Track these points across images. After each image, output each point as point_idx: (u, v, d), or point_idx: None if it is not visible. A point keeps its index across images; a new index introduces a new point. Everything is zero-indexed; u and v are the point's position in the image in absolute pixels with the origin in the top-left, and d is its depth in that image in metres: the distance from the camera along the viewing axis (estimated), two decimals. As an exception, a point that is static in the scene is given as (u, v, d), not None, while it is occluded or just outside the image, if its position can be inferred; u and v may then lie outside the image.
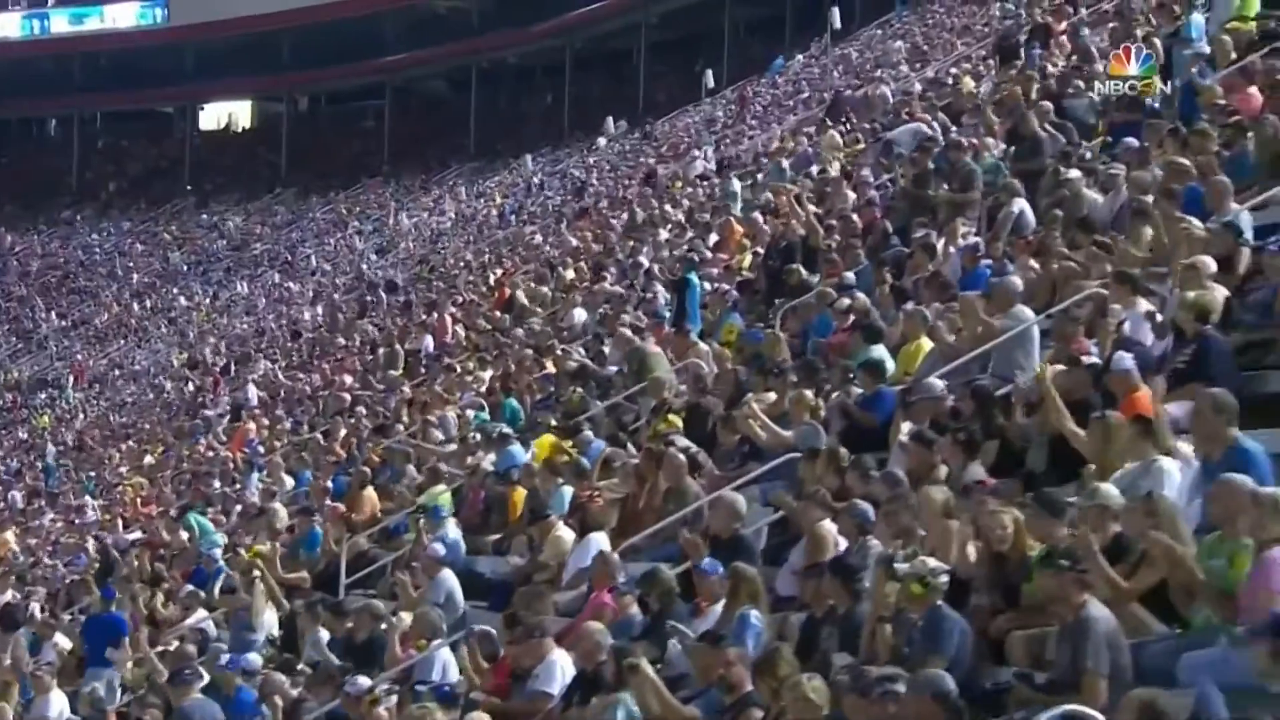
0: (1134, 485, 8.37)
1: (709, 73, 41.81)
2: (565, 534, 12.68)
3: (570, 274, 26.39)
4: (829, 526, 9.82)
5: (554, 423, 16.17)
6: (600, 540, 11.93)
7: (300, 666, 12.01)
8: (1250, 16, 16.95)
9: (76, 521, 25.14)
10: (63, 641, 15.76)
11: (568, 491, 13.36)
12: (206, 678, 11.87)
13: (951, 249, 14.99)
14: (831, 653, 8.42)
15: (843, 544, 9.62)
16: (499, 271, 31.61)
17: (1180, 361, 9.67)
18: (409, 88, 65.00)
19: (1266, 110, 13.54)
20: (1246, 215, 11.37)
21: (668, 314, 18.74)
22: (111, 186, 64.55)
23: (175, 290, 53.24)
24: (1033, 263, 12.73)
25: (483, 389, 20.02)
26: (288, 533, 17.04)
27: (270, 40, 62.89)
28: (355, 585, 14.97)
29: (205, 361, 38.96)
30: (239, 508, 20.30)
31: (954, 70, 27.56)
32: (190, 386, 36.73)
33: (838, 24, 38.09)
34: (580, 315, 22.06)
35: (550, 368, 19.16)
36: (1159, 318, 10.42)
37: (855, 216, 17.98)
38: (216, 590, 15.06)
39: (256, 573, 14.08)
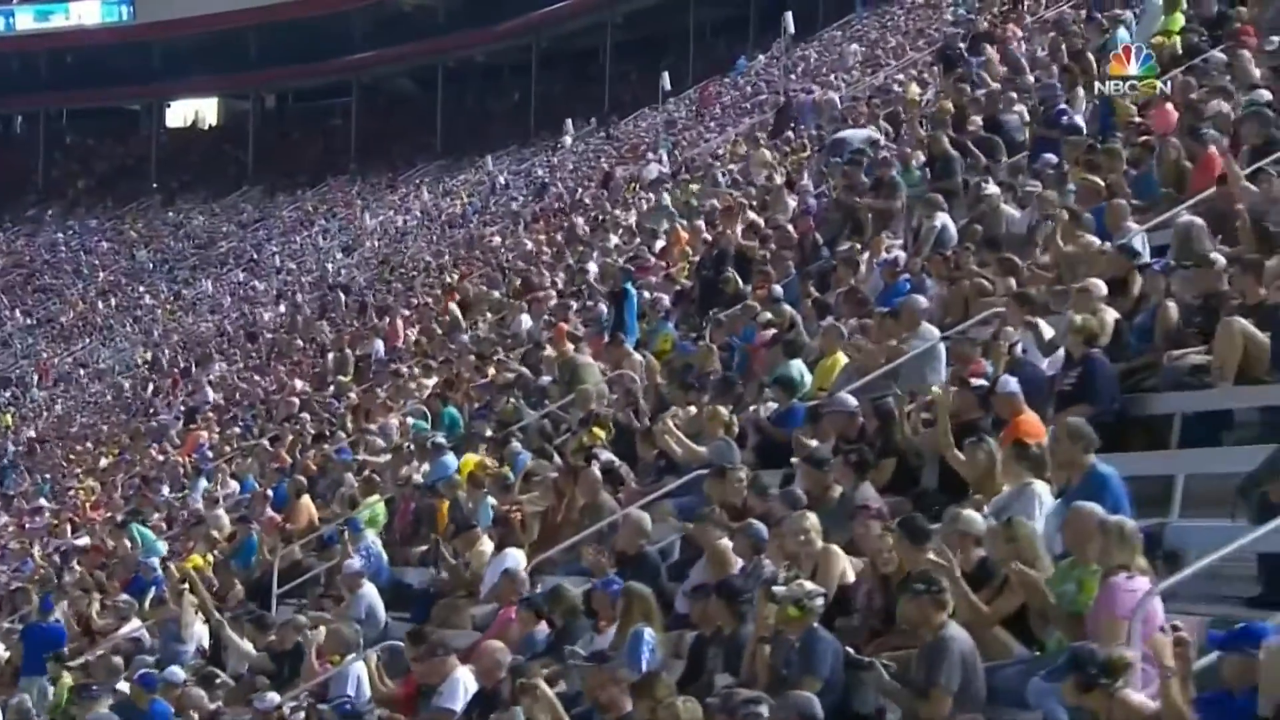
0: (1008, 509, 8.60)
1: (665, 75, 41.93)
2: (488, 547, 12.88)
3: (520, 279, 26.47)
4: (728, 545, 10.02)
5: (489, 433, 16.35)
6: (517, 555, 12.14)
7: (221, 679, 12.18)
8: (1175, 31, 17.18)
9: (27, 526, 25.21)
10: (0, 650, 15.93)
11: (492, 504, 13.56)
12: (125, 689, 12.01)
13: (876, 262, 15.21)
14: (715, 673, 8.64)
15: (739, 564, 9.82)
16: (455, 274, 31.66)
17: (1067, 384, 9.90)
18: (376, 86, 65.15)
19: (1179, 128, 13.78)
20: (1142, 237, 11.60)
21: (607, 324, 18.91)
22: (78, 184, 64.55)
23: (141, 288, 53.29)
24: (931, 281, 12.93)
25: (425, 396, 20.15)
26: (227, 541, 17.23)
27: (237, 38, 62.97)
28: (289, 595, 15.17)
29: (163, 362, 39.00)
30: (184, 515, 20.43)
31: (899, 77, 27.76)
32: (150, 388, 36.77)
33: (792, 29, 38.29)
34: (526, 322, 22.19)
35: (492, 375, 19.31)
36: (1047, 339, 10.63)
37: (790, 227, 18.17)
38: (148, 601, 15.20)
39: (185, 585, 14.23)
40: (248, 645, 12.85)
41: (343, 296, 36.53)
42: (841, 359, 12.96)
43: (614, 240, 26.00)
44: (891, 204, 16.08)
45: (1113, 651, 6.66)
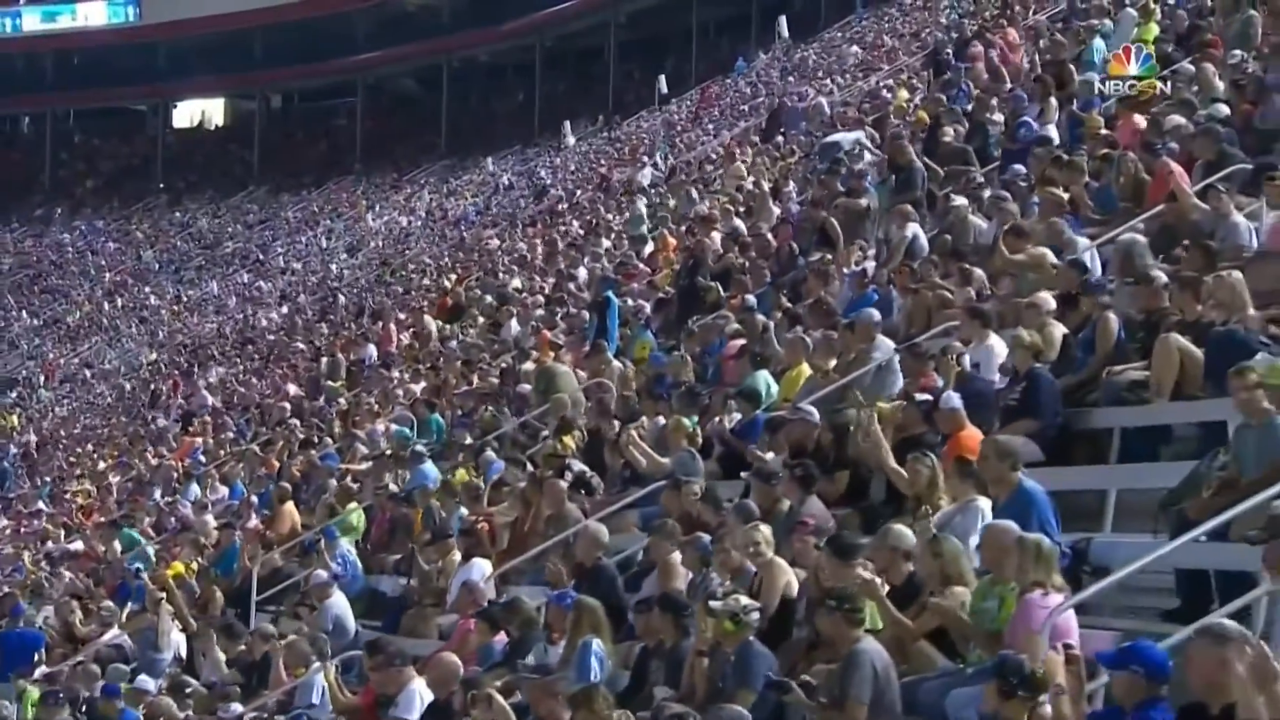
0: (950, 524, 8.78)
1: (662, 78, 42.10)
2: (459, 556, 13.06)
3: (515, 283, 26.57)
4: (678, 558, 10.20)
5: (468, 440, 16.51)
6: (483, 565, 12.33)
7: (193, 688, 12.34)
8: (1149, 41, 17.28)
9: (23, 529, 25.41)
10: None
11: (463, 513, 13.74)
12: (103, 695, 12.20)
13: (846, 273, 15.35)
14: (656, 686, 8.82)
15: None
16: (453, 277, 31.74)
17: (1011, 399, 10.06)
18: (380, 86, 65.36)
19: (1140, 140, 13.91)
20: (1092, 252, 11.73)
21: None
22: (84, 184, 64.86)
23: (147, 289, 53.55)
24: (894, 291, 13.09)
25: (411, 402, 20.28)
26: (213, 547, 17.40)
27: (242, 38, 63.19)
28: (268, 602, 15.35)
29: (163, 364, 39.21)
30: (173, 520, 20.60)
31: (889, 81, 27.86)
32: (150, 390, 36.97)
33: (785, 33, 38.44)
34: (515, 328, 22.31)
35: (477, 382, 19.46)
36: (998, 353, 10.78)
37: (771, 236, 18.28)
38: (129, 608, 15.39)
39: (161, 594, 14.42)
40: (220, 654, 13.03)
41: (341, 299, 36.70)
42: (806, 370, 13.11)
43: (605, 245, 26.13)
44: (856, 203, 16.11)
45: (1039, 668, 6.83)
